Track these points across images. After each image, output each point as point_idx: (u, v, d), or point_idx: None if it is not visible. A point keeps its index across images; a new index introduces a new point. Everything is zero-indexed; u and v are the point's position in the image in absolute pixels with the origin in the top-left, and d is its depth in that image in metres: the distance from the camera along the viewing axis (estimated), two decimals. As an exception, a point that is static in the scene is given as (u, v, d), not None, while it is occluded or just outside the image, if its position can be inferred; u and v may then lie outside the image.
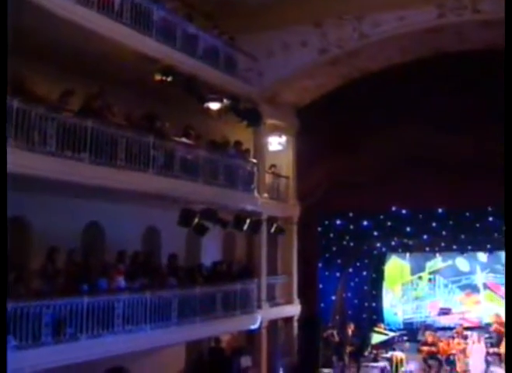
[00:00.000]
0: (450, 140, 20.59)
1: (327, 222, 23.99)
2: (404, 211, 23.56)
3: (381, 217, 24.19)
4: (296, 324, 20.14)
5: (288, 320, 20.07)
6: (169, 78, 13.50)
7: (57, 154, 10.74)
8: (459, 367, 21.08)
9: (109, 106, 12.77)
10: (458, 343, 21.64)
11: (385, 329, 24.44)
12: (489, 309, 26.43)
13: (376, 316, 26.55)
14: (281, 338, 20.08)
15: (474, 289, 27.36)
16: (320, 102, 19.63)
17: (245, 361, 17.27)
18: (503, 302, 26.56)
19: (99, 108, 12.40)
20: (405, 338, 24.32)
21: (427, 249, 27.10)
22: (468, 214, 23.33)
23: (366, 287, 26.82)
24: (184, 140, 14.87)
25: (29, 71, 11.29)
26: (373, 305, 27.09)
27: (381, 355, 22.51)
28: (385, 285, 27.50)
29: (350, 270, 25.82)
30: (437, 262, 27.67)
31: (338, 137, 20.15)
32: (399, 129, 20.32)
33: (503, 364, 21.52)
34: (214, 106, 15.32)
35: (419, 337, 23.52)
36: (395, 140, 20.96)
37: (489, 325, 24.65)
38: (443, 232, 24.64)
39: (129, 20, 12.72)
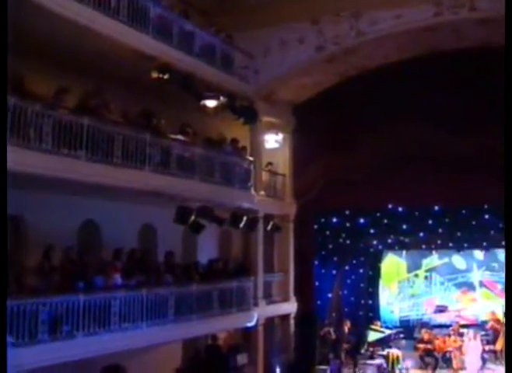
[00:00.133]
0: (447, 137, 20.63)
1: (323, 220, 24.02)
2: (400, 209, 23.60)
3: (377, 214, 24.22)
4: (292, 321, 20.15)
5: (284, 318, 20.09)
6: (165, 76, 13.48)
7: (53, 151, 10.72)
8: (455, 364, 21.16)
9: (105, 104, 12.75)
10: (454, 341, 21.71)
11: (381, 326, 24.49)
12: (485, 307, 26.49)
13: (372, 314, 26.57)
14: (277, 335, 20.10)
15: (470, 287, 27.41)
16: (316, 100, 19.63)
17: (241, 359, 17.29)
18: (498, 300, 26.69)
19: (95, 105, 12.38)
20: (402, 335, 24.37)
21: (423, 246, 27.13)
22: (464, 211, 23.37)
23: (362, 285, 26.84)
24: (180, 137, 14.85)
25: (25, 68, 11.25)
26: (370, 302, 27.11)
27: (378, 352, 22.56)
28: (381, 283, 27.52)
29: (346, 267, 25.84)
30: (433, 259, 27.70)
31: (335, 135, 20.15)
32: (395, 127, 20.34)
33: (499, 362, 21.67)
34: (210, 103, 15.30)
35: (416, 335, 23.56)
36: (391, 137, 20.98)
37: (485, 322, 24.72)
38: (440, 230, 24.66)
39: (126, 17, 12.69)
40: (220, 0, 17.03)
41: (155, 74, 13.41)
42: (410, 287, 27.77)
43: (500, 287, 27.09)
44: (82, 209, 13.73)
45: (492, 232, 24.56)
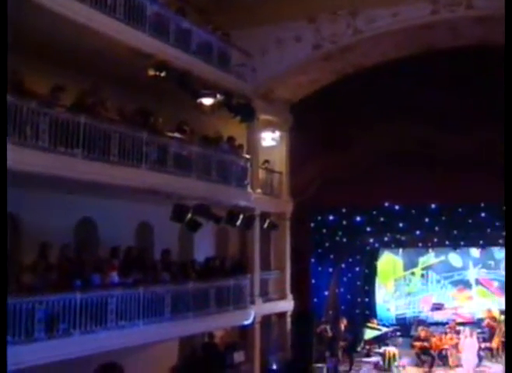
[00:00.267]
0: (443, 136, 20.68)
1: (320, 218, 24.06)
2: (396, 207, 23.65)
3: (374, 212, 24.27)
4: (289, 319, 20.16)
5: (281, 315, 20.10)
6: (162, 74, 13.46)
7: (50, 149, 10.69)
8: (451, 361, 21.23)
9: (102, 102, 12.72)
10: (451, 338, 21.78)
11: (378, 324, 24.56)
12: (482, 305, 26.61)
13: (369, 312, 26.65)
14: (274, 333, 20.11)
15: (466, 285, 27.51)
16: (313, 98, 19.63)
17: (238, 357, 17.29)
18: (494, 298, 26.79)
19: (92, 103, 12.36)
20: (398, 333, 24.45)
21: (420, 244, 27.22)
22: (460, 209, 23.45)
23: (358, 283, 26.91)
24: (177, 135, 14.84)
25: (21, 66, 11.22)
26: (366, 300, 27.19)
27: (374, 350, 22.64)
28: (378, 281, 27.59)
29: (343, 265, 25.90)
30: (430, 257, 27.79)
31: (332, 133, 20.18)
32: (392, 125, 20.37)
33: (495, 359, 21.76)
34: (207, 101, 15.29)
35: (412, 332, 23.65)
36: (388, 136, 21.01)
37: (481, 320, 24.84)
38: (436, 228, 24.75)
39: (122, 15, 12.66)
40: (217, -2, 17.03)
41: (151, 72, 13.39)
42: (406, 285, 27.86)
43: (496, 284, 27.21)
44: (78, 207, 13.71)
45: (488, 230, 24.66)
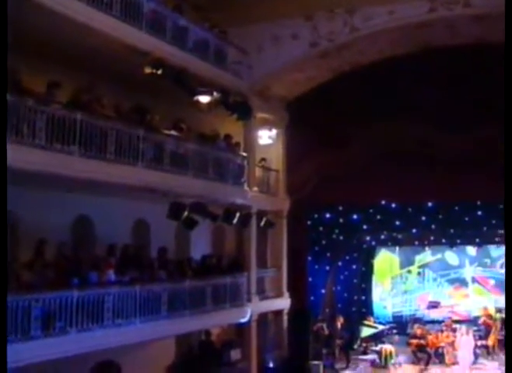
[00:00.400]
0: (440, 134, 20.70)
1: (316, 216, 24.06)
2: (393, 205, 23.67)
3: (371, 210, 24.28)
4: (285, 317, 20.17)
5: (278, 313, 20.10)
6: (159, 71, 13.42)
7: (46, 147, 10.66)
8: (448, 359, 21.29)
9: (98, 98, 12.69)
10: (447, 336, 21.84)
11: (374, 322, 24.63)
12: (478, 303, 26.70)
13: (365, 309, 26.70)
14: (271, 331, 20.12)
15: (462, 283, 27.59)
16: (310, 96, 19.61)
17: (235, 354, 17.29)
18: (490, 296, 26.87)
19: (88, 101, 12.32)
20: (394, 331, 24.53)
21: (416, 242, 27.28)
22: (457, 208, 23.46)
23: (355, 281, 26.95)
24: (173, 133, 14.82)
25: (17, 63, 11.18)
26: (363, 298, 27.24)
27: (371, 348, 22.72)
28: (374, 279, 27.65)
29: (340, 263, 25.92)
30: (426, 255, 27.85)
31: (328, 131, 20.18)
32: (389, 123, 20.38)
33: (491, 357, 21.83)
34: (204, 99, 15.26)
35: (408, 330, 23.72)
36: (385, 134, 21.02)
37: (477, 318, 24.93)
38: (433, 226, 24.78)
39: (119, 12, 12.61)
40: (214, -5, 16.98)
41: (148, 70, 13.35)
42: (403, 282, 27.92)
43: (492, 282, 27.28)
44: (75, 205, 13.68)
45: (484, 229, 24.72)
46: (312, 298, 23.36)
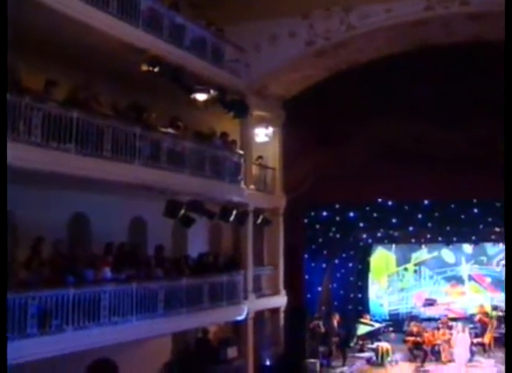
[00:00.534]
0: (436, 132, 20.72)
1: (313, 214, 24.07)
2: (389, 203, 23.69)
3: (367, 208, 24.30)
4: (282, 315, 20.19)
5: (274, 311, 20.13)
6: (156, 69, 13.42)
7: (42, 144, 10.65)
8: (444, 356, 21.34)
9: (95, 96, 12.68)
10: (443, 334, 21.88)
11: (371, 320, 24.65)
12: (474, 300, 26.74)
13: (361, 307, 26.72)
14: (267, 329, 20.15)
15: (459, 280, 27.62)
16: (307, 94, 19.62)
17: (231, 352, 17.30)
18: (487, 293, 26.92)
19: (85, 98, 12.31)
20: (391, 329, 24.58)
21: (413, 240, 27.29)
22: (453, 206, 23.49)
23: (352, 279, 26.96)
24: (170, 131, 14.81)
25: (15, 61, 11.17)
26: (359, 296, 27.26)
27: (367, 346, 22.74)
28: (371, 276, 27.67)
29: (336, 261, 25.93)
30: (423, 253, 27.87)
31: (325, 129, 20.18)
32: (385, 121, 20.39)
33: (487, 354, 21.88)
34: (201, 97, 15.27)
35: (405, 328, 23.74)
36: (381, 132, 21.03)
37: (473, 315, 24.96)
38: (429, 224, 24.80)
39: (115, 10, 12.61)
40: (211, -7, 16.98)
41: (145, 67, 13.35)
42: (399, 280, 27.95)
43: (489, 280, 27.33)
44: (71, 202, 13.68)
45: (480, 226, 24.75)
46: (308, 295, 23.38)
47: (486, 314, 23.91)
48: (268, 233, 20.34)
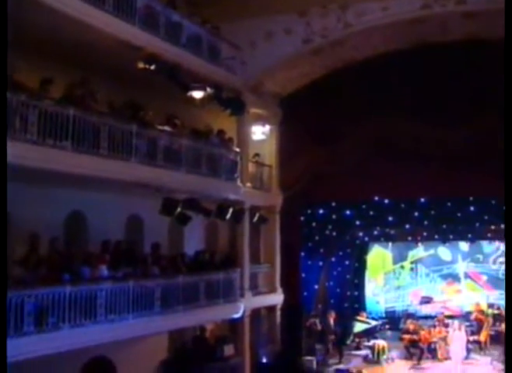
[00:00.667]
0: (433, 130, 20.72)
1: (309, 211, 24.06)
2: (386, 201, 23.69)
3: (364, 206, 24.30)
4: (278, 313, 20.20)
5: (271, 309, 20.13)
6: (152, 67, 13.41)
7: (38, 142, 10.64)
8: (440, 354, 21.37)
9: (91, 93, 12.66)
10: (439, 331, 21.91)
11: (367, 317, 24.67)
12: (470, 298, 26.79)
13: (358, 305, 26.75)
14: (264, 327, 20.15)
15: (455, 278, 27.66)
16: (303, 92, 19.62)
17: (228, 350, 17.31)
18: (483, 291, 26.98)
19: (81, 96, 12.30)
20: (387, 326, 24.59)
21: (409, 238, 27.32)
22: (449, 203, 23.51)
23: (348, 276, 26.97)
24: (166, 128, 14.80)
25: (9, 58, 11.14)
26: (356, 293, 27.28)
27: (363, 343, 22.75)
28: (367, 274, 27.69)
29: (333, 259, 25.93)
30: (419, 251, 27.91)
31: (322, 127, 20.17)
32: (382, 119, 20.40)
33: (483, 352, 21.92)
34: (197, 94, 15.25)
35: (401, 326, 23.77)
36: (378, 130, 21.04)
37: (469, 313, 25.01)
38: (425, 222, 24.82)
39: (112, 7, 12.59)
40: (207, -10, 16.97)
41: (141, 65, 13.34)
42: (396, 278, 27.98)
43: (485, 278, 27.39)
44: (68, 200, 13.66)
45: (477, 224, 24.77)
46: (305, 293, 23.38)
47: (482, 312, 23.95)
48: (264, 231, 20.34)
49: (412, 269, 27.93)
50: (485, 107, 18.54)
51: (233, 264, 17.74)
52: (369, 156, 21.19)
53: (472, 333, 22.43)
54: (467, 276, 27.57)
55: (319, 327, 21.51)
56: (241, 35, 17.52)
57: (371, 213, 24.35)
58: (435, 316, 24.34)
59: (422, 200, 23.53)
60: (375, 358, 21.33)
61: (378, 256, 27.98)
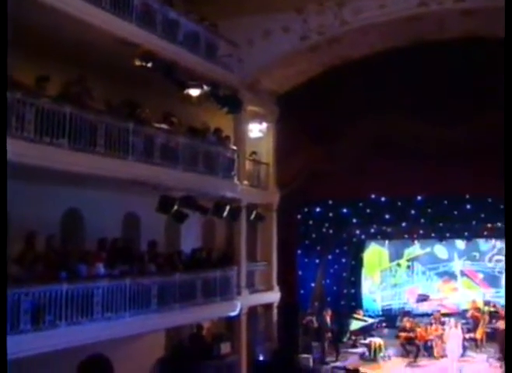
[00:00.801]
0: (430, 128, 20.69)
1: (306, 209, 24.01)
2: (383, 199, 23.65)
3: (360, 204, 24.27)
4: (275, 310, 20.21)
5: (267, 307, 20.15)
6: (149, 64, 13.38)
7: (35, 140, 10.61)
8: (436, 352, 21.44)
9: (88, 91, 12.63)
10: (436, 329, 21.97)
11: (364, 315, 24.69)
12: (466, 296, 26.82)
13: (355, 303, 26.76)
14: (261, 324, 20.17)
15: (451, 276, 27.68)
16: (300, 90, 19.60)
17: (225, 348, 17.31)
18: (479, 289, 27.03)
19: (78, 93, 12.27)
20: (384, 324, 24.58)
21: (406, 236, 27.31)
22: (446, 201, 23.51)
23: (345, 274, 26.97)
24: (163, 126, 14.78)
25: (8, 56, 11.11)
26: (352, 291, 27.28)
27: (360, 341, 22.79)
28: (364, 272, 27.69)
29: (329, 257, 25.92)
30: (416, 249, 27.92)
31: (319, 125, 20.13)
32: (379, 117, 20.35)
33: (479, 349, 21.98)
34: (194, 92, 15.24)
35: (398, 323, 23.78)
36: (375, 128, 20.99)
37: (465, 311, 25.04)
38: (422, 220, 24.80)
39: (108, 5, 12.56)
40: (204, -12, 16.93)
41: (138, 63, 13.31)
42: (392, 276, 27.99)
43: (481, 276, 27.43)
44: (64, 198, 13.64)
45: (473, 222, 24.77)
46: (302, 291, 23.35)
47: (478, 309, 24.00)
48: (261, 229, 20.35)
49: (408, 267, 27.93)
50: (484, 105, 18.52)
51: (230, 262, 17.74)
52: (366, 154, 21.16)
53: (468, 331, 22.49)
54: (463, 274, 27.59)
55: (316, 325, 21.51)
56: (238, 32, 17.48)
57: (368, 211, 24.32)
58: (431, 314, 24.36)
59: (419, 198, 23.50)
60: (371, 356, 21.38)
61: (375, 253, 27.98)
